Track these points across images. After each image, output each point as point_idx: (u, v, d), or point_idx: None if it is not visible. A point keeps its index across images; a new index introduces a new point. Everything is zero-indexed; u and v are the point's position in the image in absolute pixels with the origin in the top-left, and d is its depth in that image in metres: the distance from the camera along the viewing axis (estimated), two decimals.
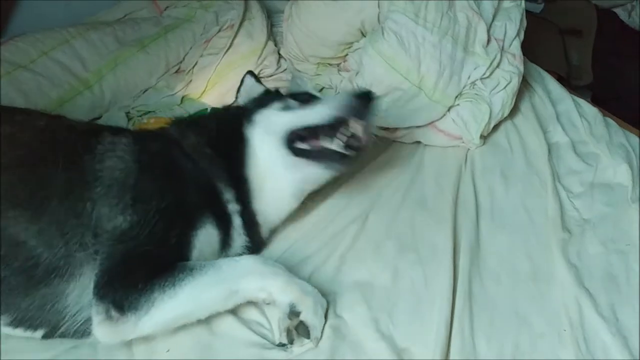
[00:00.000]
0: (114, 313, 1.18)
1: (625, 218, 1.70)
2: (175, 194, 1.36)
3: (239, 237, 1.50)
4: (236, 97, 1.87)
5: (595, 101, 2.56)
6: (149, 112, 2.16)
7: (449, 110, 1.98)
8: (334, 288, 1.47)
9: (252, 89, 1.83)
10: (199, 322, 1.32)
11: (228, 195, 1.48)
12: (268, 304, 1.34)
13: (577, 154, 1.97)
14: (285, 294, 1.31)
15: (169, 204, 1.32)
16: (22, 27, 2.22)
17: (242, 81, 1.87)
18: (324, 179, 1.61)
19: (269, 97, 1.70)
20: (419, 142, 2.05)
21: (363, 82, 1.97)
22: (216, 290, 1.28)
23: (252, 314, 1.40)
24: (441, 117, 1.99)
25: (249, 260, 1.36)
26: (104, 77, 2.15)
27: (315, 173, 1.55)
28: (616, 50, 3.16)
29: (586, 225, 1.69)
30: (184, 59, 2.33)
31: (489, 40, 2.00)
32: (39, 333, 1.25)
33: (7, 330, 1.24)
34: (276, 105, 1.61)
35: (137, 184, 1.33)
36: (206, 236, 1.38)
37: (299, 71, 2.25)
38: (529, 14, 2.23)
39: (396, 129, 2.02)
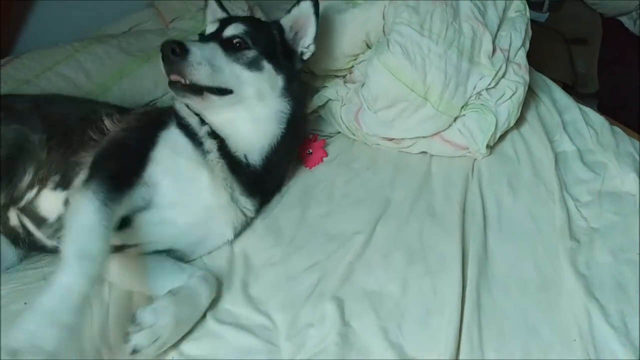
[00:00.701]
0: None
1: (634, 227, 1.68)
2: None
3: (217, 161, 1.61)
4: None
5: (601, 109, 2.56)
6: None
7: (455, 120, 1.98)
8: (342, 296, 1.48)
9: (215, 13, 1.99)
10: (205, 330, 1.38)
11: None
12: None
13: (584, 163, 1.95)
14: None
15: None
16: (29, 47, 2.23)
17: (206, 4, 2.02)
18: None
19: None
20: (425, 152, 2.05)
21: (369, 94, 1.97)
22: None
23: (257, 318, 1.43)
24: (447, 128, 1.98)
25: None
26: (110, 89, 2.16)
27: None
28: (622, 59, 3.16)
29: (595, 234, 1.68)
30: None
31: (494, 51, 1.99)
32: (65, 194, 1.51)
33: (48, 195, 1.53)
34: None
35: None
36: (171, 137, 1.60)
37: (305, 84, 2.25)
38: (534, 23, 2.22)
39: (402, 139, 2.01)
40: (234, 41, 1.68)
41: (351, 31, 2.04)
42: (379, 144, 2.07)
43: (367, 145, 2.10)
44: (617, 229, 1.69)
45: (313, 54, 1.88)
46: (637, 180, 1.83)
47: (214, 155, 1.59)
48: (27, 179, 1.51)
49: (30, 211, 1.54)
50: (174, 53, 1.51)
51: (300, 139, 1.96)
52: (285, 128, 1.74)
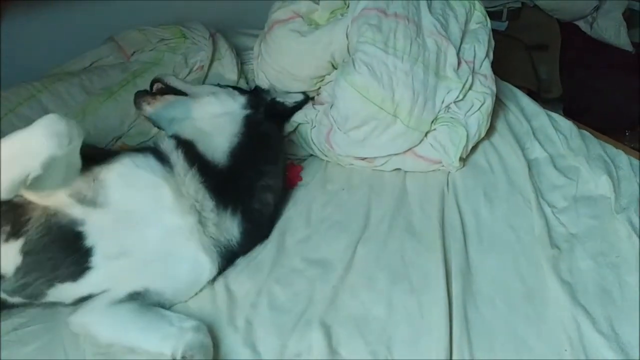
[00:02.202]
0: None
1: (612, 230, 1.70)
2: None
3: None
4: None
5: (566, 113, 2.59)
6: None
7: (426, 135, 1.98)
8: (328, 322, 1.45)
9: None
10: None
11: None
12: None
13: (557, 169, 1.97)
14: None
15: None
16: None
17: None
18: None
19: None
20: (399, 169, 2.04)
21: (338, 115, 1.96)
22: None
23: (243, 352, 1.39)
24: (419, 143, 1.98)
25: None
26: None
27: None
28: (582, 62, 3.22)
29: (574, 240, 1.69)
30: None
31: (459, 64, 2.00)
32: (19, 242, 1.39)
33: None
34: None
35: None
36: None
37: None
38: (494, 32, 2.24)
39: (375, 158, 2.01)
40: None
41: (316, 53, 2.03)
42: (352, 164, 2.06)
43: (341, 165, 2.08)
44: (595, 233, 1.70)
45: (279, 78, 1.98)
46: (609, 183, 1.85)
47: (181, 165, 1.58)
48: None
49: None
50: None
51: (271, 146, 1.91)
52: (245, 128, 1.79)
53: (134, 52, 2.45)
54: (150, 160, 1.57)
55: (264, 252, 1.71)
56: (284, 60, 2.10)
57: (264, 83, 2.24)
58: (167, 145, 1.64)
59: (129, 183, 1.49)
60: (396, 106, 1.90)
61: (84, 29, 2.50)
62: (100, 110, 2.17)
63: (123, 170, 1.50)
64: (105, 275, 1.44)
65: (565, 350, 1.36)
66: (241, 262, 1.68)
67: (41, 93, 2.11)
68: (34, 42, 2.44)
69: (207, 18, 2.57)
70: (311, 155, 2.16)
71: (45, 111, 2.06)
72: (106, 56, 2.44)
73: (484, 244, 1.70)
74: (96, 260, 1.42)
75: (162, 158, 1.59)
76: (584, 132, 2.17)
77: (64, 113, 2.04)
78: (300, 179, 2.03)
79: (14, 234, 1.40)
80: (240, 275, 1.63)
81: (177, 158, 1.60)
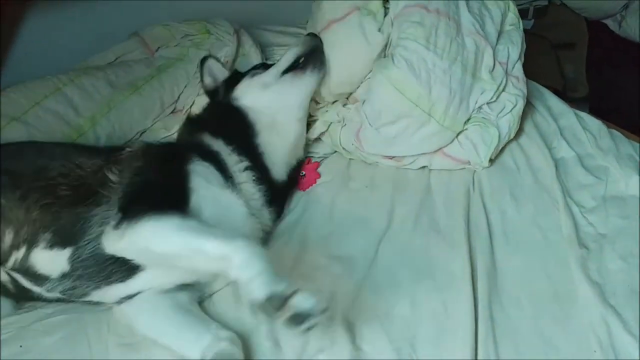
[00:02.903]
0: (120, 224, 1.33)
1: None
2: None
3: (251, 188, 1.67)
4: (202, 82, 2.07)
5: (593, 113, 2.54)
6: None
7: (457, 135, 1.96)
8: (351, 319, 1.44)
9: (217, 73, 2.04)
10: None
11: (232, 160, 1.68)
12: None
13: (585, 168, 1.94)
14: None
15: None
16: (14, 78, 2.19)
17: (202, 65, 2.05)
18: (315, 83, 1.95)
19: (237, 76, 1.98)
20: (424, 167, 2.02)
21: (371, 109, 1.93)
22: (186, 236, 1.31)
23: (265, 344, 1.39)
24: (450, 143, 1.96)
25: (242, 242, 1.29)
26: (98, 123, 2.11)
27: (308, 78, 1.91)
28: (610, 61, 3.17)
29: (603, 240, 1.66)
30: (178, 98, 2.31)
31: (494, 65, 1.99)
32: (67, 252, 1.41)
33: (42, 254, 1.42)
34: (248, 75, 1.94)
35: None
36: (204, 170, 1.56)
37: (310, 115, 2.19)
38: None
39: (403, 156, 1.99)
40: None
41: (370, 53, 1.98)
42: (378, 162, 2.04)
43: (364, 163, 2.06)
44: (625, 233, 1.67)
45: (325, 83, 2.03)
46: None
47: (249, 185, 1.67)
48: (7, 239, 1.42)
49: (24, 270, 1.45)
50: None
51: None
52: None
53: (159, 48, 2.46)
54: (217, 175, 1.58)
55: (287, 248, 1.71)
56: (342, 62, 2.00)
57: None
58: (228, 158, 1.67)
59: (214, 205, 1.49)
60: (432, 104, 1.88)
61: (109, 24, 2.52)
62: (125, 105, 2.18)
63: (206, 195, 1.48)
64: (156, 273, 1.44)
65: (595, 351, 1.34)
66: (274, 261, 1.64)
67: (67, 86, 2.12)
68: (60, 36, 2.46)
69: (231, 14, 2.58)
70: (333, 152, 2.15)
71: (70, 104, 2.08)
72: (131, 51, 2.45)
73: (510, 244, 1.68)
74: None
75: (220, 167, 1.61)
76: (614, 131, 2.13)
77: (89, 106, 2.08)
78: (319, 176, 2.01)
79: (59, 243, 1.42)
80: None
81: (246, 178, 1.67)
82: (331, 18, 2.03)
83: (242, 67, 2.35)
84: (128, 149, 1.64)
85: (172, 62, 2.38)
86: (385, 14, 2.02)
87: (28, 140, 1.79)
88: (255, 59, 2.39)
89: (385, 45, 1.98)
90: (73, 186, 1.48)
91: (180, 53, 2.42)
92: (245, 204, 1.59)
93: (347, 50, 1.99)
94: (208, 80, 2.02)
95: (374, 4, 2.03)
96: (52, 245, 1.42)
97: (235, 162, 1.67)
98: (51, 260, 1.43)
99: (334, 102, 2.14)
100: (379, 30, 1.97)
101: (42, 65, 2.23)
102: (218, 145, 1.69)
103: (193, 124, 1.88)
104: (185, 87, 2.33)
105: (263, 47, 2.51)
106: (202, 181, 1.51)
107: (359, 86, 2.07)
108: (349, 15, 2.00)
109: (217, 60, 2.07)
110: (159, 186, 1.48)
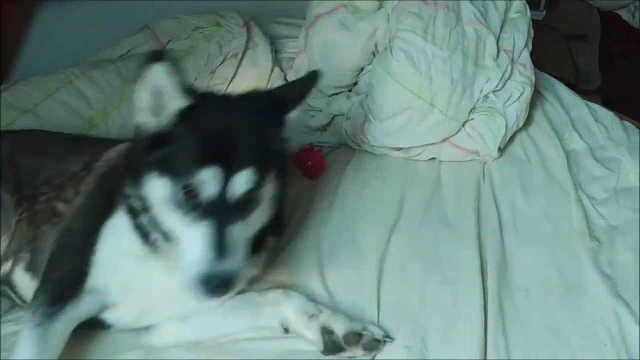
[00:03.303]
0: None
1: None
2: None
3: None
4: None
5: (605, 104, 2.52)
6: None
7: (463, 125, 1.95)
8: (362, 315, 1.43)
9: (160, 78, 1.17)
10: None
11: None
12: None
13: (596, 160, 1.93)
14: None
15: None
16: (27, 72, 2.21)
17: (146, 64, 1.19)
18: None
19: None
20: (433, 158, 2.01)
21: (373, 103, 1.95)
22: None
23: None
24: (456, 133, 1.95)
25: None
26: (110, 115, 2.13)
27: None
28: (623, 53, 3.14)
29: (614, 232, 1.65)
30: None
31: (498, 53, 1.98)
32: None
33: (21, 275, 1.38)
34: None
35: None
36: None
37: (311, 106, 2.21)
38: (532, 21, 2.20)
39: (410, 148, 1.98)
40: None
41: (361, 45, 2.01)
42: (386, 154, 2.04)
43: (374, 154, 2.06)
44: (636, 225, 1.66)
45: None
46: None
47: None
48: (3, 245, 1.37)
49: (8, 284, 1.41)
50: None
51: None
52: None
53: (169, 41, 2.47)
54: (130, 236, 1.31)
55: (297, 240, 1.70)
56: (329, 54, 2.07)
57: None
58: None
59: (123, 277, 1.32)
60: (433, 95, 1.87)
61: (120, 17, 2.53)
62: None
63: (113, 267, 1.31)
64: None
65: (605, 344, 1.33)
66: (286, 252, 1.66)
67: (78, 79, 2.14)
68: (72, 30, 2.48)
69: (241, 6, 2.58)
70: (341, 144, 2.14)
71: (82, 97, 2.09)
72: (141, 44, 2.46)
73: (520, 235, 1.68)
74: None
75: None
76: (626, 123, 2.11)
77: (101, 99, 2.09)
78: (326, 164, 2.00)
79: (32, 269, 1.38)
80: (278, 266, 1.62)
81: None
82: (317, 13, 2.10)
83: (251, 59, 2.36)
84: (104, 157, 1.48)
85: (182, 55, 2.38)
86: (380, 7, 2.04)
87: (35, 129, 1.78)
88: (265, 51, 2.39)
89: (375, 35, 2.00)
90: (48, 199, 1.41)
91: (190, 46, 2.43)
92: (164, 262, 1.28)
93: (331, 41, 2.06)
94: (146, 101, 1.20)
95: (362, 3, 2.08)
96: (28, 268, 1.38)
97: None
98: (28, 285, 1.36)
99: (334, 94, 2.15)
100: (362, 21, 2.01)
101: (54, 58, 2.25)
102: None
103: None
104: (196, 79, 2.33)
105: (273, 40, 2.50)
106: (111, 247, 1.30)
107: (358, 78, 2.08)
108: (334, 10, 2.07)
109: (175, 65, 1.17)
110: (68, 250, 1.33)
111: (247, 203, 1.16)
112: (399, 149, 2.00)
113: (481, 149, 1.95)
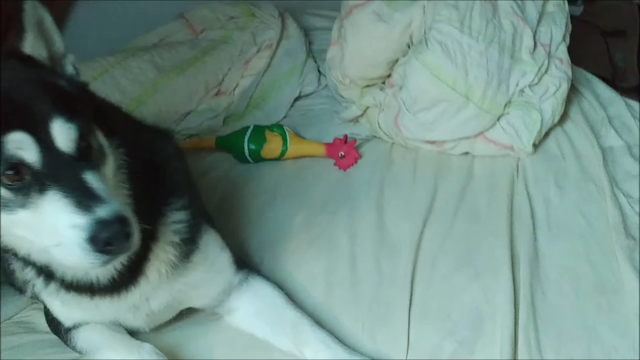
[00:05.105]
0: None
1: None
2: None
3: None
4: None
5: None
6: (193, 135, 2.17)
7: (498, 119, 1.93)
8: (393, 305, 1.45)
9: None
10: None
11: None
12: None
13: (634, 158, 1.88)
14: None
15: None
16: None
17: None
18: None
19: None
20: (466, 153, 1.99)
21: (408, 95, 1.93)
22: None
23: None
24: (490, 127, 1.93)
25: None
26: (145, 104, 2.16)
27: None
28: None
29: None
30: (223, 80, 2.34)
31: (535, 46, 1.95)
32: None
33: None
34: None
35: None
36: None
37: (343, 97, 2.22)
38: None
39: (444, 141, 1.97)
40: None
41: (396, 36, 1.99)
42: (419, 147, 2.03)
43: (406, 148, 2.05)
44: None
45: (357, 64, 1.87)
46: None
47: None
48: None
49: None
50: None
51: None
52: None
53: (203, 30, 2.50)
54: None
55: (331, 230, 1.72)
56: (363, 45, 2.04)
57: (337, 72, 2.18)
58: None
59: None
60: (469, 87, 1.86)
61: (155, 5, 2.55)
62: (170, 86, 2.22)
63: None
64: None
65: None
66: (305, 238, 1.70)
67: (114, 68, 2.17)
68: (109, 18, 2.51)
69: None
70: (373, 136, 2.14)
71: (119, 87, 2.12)
72: (176, 33, 2.51)
73: (553, 231, 1.66)
74: None
75: None
76: None
77: (135, 88, 2.12)
78: (358, 155, 2.00)
79: None
80: (307, 251, 1.66)
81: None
82: (353, 4, 2.08)
83: (285, 50, 2.36)
84: None
85: (216, 44, 2.41)
86: None
87: None
88: (299, 42, 2.39)
89: (410, 27, 1.97)
90: None
91: (224, 35, 2.45)
92: None
93: (365, 32, 2.02)
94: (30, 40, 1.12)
95: None
96: None
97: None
98: None
99: (368, 86, 2.14)
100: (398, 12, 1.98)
101: (91, 46, 2.28)
102: None
103: None
104: (229, 69, 2.36)
105: (307, 31, 2.51)
106: None
107: (392, 70, 2.08)
108: (369, 1, 2.04)
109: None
110: None
111: (85, 150, 1.04)
112: (432, 143, 1.99)
113: (516, 144, 1.92)
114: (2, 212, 1.00)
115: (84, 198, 0.97)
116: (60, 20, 2.50)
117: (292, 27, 2.44)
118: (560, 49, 2.01)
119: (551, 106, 1.94)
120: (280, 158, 2.04)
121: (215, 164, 2.08)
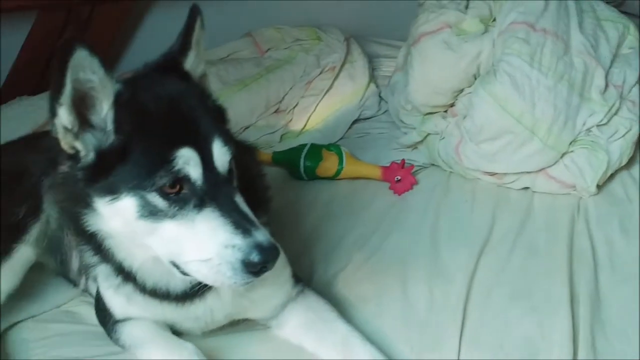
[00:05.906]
0: None
1: None
2: None
3: None
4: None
5: None
6: None
7: (562, 157, 1.89)
8: (445, 338, 1.40)
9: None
10: None
11: None
12: None
13: None
14: None
15: None
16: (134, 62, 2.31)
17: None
18: None
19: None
20: (527, 188, 1.95)
21: (472, 125, 1.92)
22: None
23: None
24: (554, 164, 1.89)
25: None
26: None
27: None
28: None
29: None
30: (283, 98, 2.36)
31: (606, 87, 1.92)
32: None
33: None
34: None
35: None
36: None
37: (404, 122, 2.22)
38: None
39: (505, 174, 1.94)
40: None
41: (463, 66, 2.00)
42: (479, 179, 2.00)
43: (464, 178, 2.02)
44: None
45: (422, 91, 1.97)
46: None
47: None
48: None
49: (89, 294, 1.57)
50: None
51: None
52: None
53: (269, 49, 2.54)
54: None
55: (384, 253, 1.70)
56: (430, 72, 2.06)
57: (401, 97, 2.19)
58: None
59: None
60: (535, 121, 1.83)
61: (223, 24, 2.60)
62: (233, 100, 2.24)
63: None
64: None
65: None
66: (360, 260, 1.67)
67: None
68: (177, 31, 2.57)
69: (341, 23, 2.61)
70: (431, 164, 2.12)
71: None
72: (242, 50, 2.55)
73: (617, 274, 1.59)
74: None
75: None
76: None
77: None
78: (415, 181, 1.97)
79: None
80: (355, 274, 1.63)
81: None
82: (422, 32, 2.09)
83: (348, 74, 2.37)
84: None
85: (281, 64, 2.44)
86: (486, 31, 2.03)
87: None
88: (363, 67, 2.41)
89: (478, 58, 1.98)
90: None
91: (289, 56, 2.48)
92: None
93: (432, 60, 2.04)
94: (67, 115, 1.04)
95: (467, 22, 2.05)
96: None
97: None
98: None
99: (430, 113, 2.13)
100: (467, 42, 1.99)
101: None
102: None
103: None
104: (291, 89, 2.38)
105: (371, 57, 2.53)
106: None
107: (456, 98, 2.07)
108: (439, 30, 2.05)
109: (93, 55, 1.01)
110: None
111: (231, 173, 1.10)
112: (492, 174, 1.95)
113: (578, 184, 1.87)
114: (146, 219, 1.04)
115: (242, 221, 1.04)
116: (132, 28, 2.58)
117: (357, 52, 2.46)
118: (634, 91, 1.98)
119: (619, 148, 1.89)
120: (335, 177, 2.03)
121: (269, 179, 2.07)
